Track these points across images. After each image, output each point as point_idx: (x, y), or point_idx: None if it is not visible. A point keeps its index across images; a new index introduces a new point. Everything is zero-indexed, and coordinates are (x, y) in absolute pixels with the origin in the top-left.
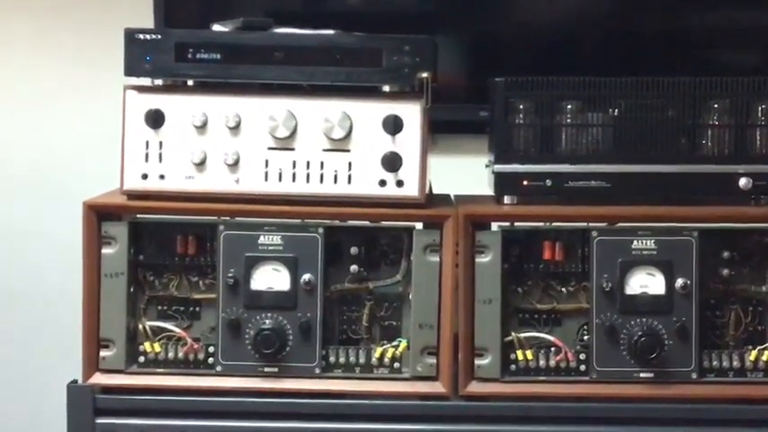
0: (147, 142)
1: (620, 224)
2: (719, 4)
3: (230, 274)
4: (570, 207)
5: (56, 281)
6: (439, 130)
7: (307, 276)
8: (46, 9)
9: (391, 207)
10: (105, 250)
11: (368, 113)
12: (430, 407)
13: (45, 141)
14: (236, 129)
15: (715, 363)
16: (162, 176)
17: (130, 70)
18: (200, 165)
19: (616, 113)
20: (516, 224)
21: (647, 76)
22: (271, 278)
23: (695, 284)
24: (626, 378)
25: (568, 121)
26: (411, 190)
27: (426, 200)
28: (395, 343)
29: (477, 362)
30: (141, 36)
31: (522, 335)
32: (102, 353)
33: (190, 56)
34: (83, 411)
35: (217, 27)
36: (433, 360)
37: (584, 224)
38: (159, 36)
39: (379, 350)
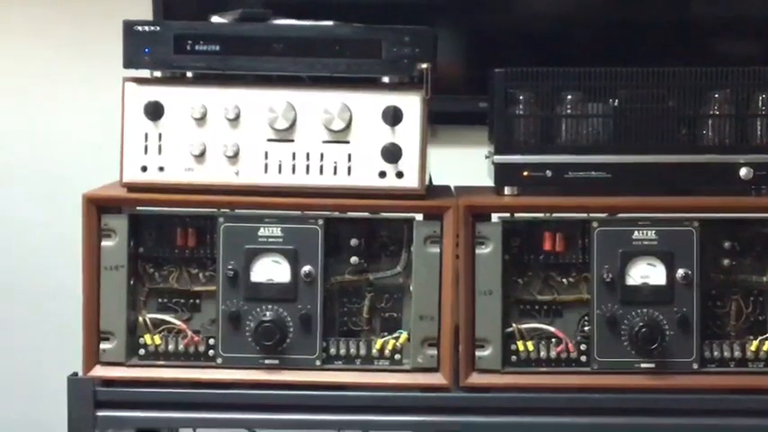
0: (147, 134)
1: (620, 215)
2: None
3: (230, 267)
4: (571, 198)
5: (56, 274)
6: (439, 121)
7: (307, 268)
8: (44, 1)
9: (391, 198)
10: (105, 243)
11: (367, 105)
12: (431, 398)
13: (44, 134)
14: (235, 121)
15: (716, 353)
16: (161, 169)
17: (129, 62)
18: (200, 157)
19: (616, 104)
20: (516, 215)
21: (647, 66)
22: (271, 270)
23: (696, 275)
24: (627, 369)
25: (568, 111)
26: (411, 181)
27: (426, 191)
28: (395, 334)
29: (478, 353)
30: (140, 28)
31: (523, 326)
32: (103, 345)
33: (189, 48)
34: (83, 404)
35: (215, 18)
36: (433, 351)
37: (585, 215)
38: (158, 28)
39: (379, 342)
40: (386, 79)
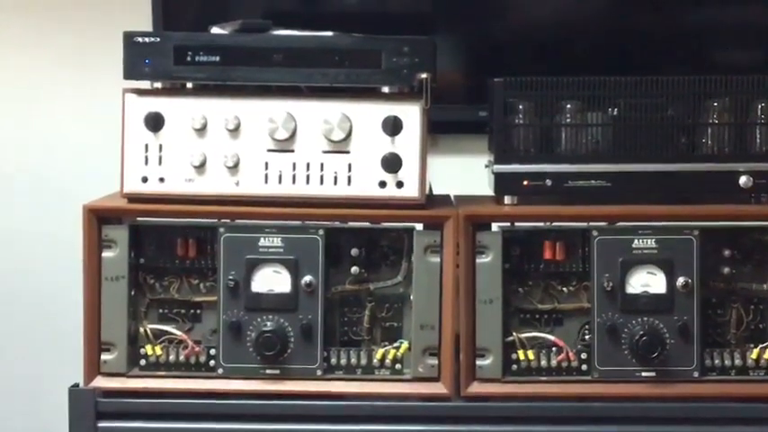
0: (147, 145)
1: (620, 223)
2: (718, 2)
3: (231, 277)
4: (570, 207)
5: (56, 284)
6: (438, 131)
7: (307, 278)
8: (44, 12)
9: (391, 208)
10: (106, 253)
11: (367, 115)
12: (432, 408)
13: (44, 145)
14: (235, 131)
15: (717, 361)
16: (162, 179)
17: (129, 73)
18: (200, 167)
19: (615, 113)
20: (517, 224)
21: (646, 75)
22: (271, 280)
23: (696, 283)
24: (627, 377)
25: (568, 120)
26: (411, 191)
27: (426, 201)
28: (396, 344)
29: (479, 362)
30: (140, 39)
31: (524, 335)
32: (104, 356)
33: (189, 58)
34: (84, 415)
35: (215, 29)
36: (434, 361)
37: (585, 224)
38: (158, 39)
39: (380, 351)
40: (385, 89)
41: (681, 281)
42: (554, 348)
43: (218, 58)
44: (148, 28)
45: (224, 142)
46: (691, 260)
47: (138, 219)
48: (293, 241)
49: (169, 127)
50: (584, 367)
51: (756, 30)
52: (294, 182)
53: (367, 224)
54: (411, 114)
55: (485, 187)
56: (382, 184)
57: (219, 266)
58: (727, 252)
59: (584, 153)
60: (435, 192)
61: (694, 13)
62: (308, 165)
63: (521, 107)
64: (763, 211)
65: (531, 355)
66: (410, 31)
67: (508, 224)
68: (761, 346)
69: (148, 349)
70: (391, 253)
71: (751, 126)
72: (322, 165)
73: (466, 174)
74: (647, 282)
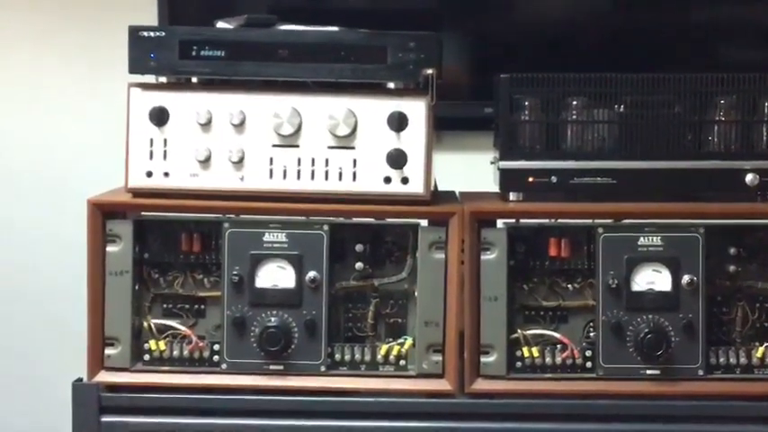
0: (152, 140)
1: (626, 221)
2: None
3: (235, 272)
4: (576, 204)
5: (60, 279)
6: (444, 127)
7: (312, 274)
8: (49, 7)
9: (396, 204)
10: (110, 248)
11: (373, 110)
12: (436, 404)
13: (49, 139)
14: (240, 126)
15: (722, 359)
16: (166, 174)
17: (135, 68)
18: (205, 162)
19: (622, 110)
20: (522, 221)
21: (652, 72)
22: (276, 276)
23: (702, 281)
24: (632, 375)
25: (574, 117)
26: (416, 187)
27: (431, 197)
28: (400, 340)
29: (483, 359)
30: (145, 33)
31: (528, 332)
32: (108, 351)
33: (194, 53)
34: (88, 409)
35: (221, 24)
36: (438, 357)
37: (590, 221)
38: (163, 33)
39: (384, 347)
40: (391, 85)
41: (686, 279)
42: (559, 346)
43: (223, 53)
44: (154, 22)
45: (229, 137)
46: (696, 258)
47: (143, 213)
48: (298, 237)
49: (174, 122)
50: (588, 365)
51: (764, 27)
52: (299, 177)
53: (372, 220)
54: (416, 110)
55: (490, 184)
56: (387, 180)
57: (224, 262)
58: (732, 250)
59: (589, 150)
60: (440, 188)
61: (701, 9)
62: (312, 160)
63: (527, 104)
64: None
65: (535, 352)
66: (416, 26)
67: (513, 221)
68: (766, 344)
69: (152, 344)
70: (396, 249)
71: (758, 124)
72: (327, 160)
73: (471, 170)
74: (653, 279)
